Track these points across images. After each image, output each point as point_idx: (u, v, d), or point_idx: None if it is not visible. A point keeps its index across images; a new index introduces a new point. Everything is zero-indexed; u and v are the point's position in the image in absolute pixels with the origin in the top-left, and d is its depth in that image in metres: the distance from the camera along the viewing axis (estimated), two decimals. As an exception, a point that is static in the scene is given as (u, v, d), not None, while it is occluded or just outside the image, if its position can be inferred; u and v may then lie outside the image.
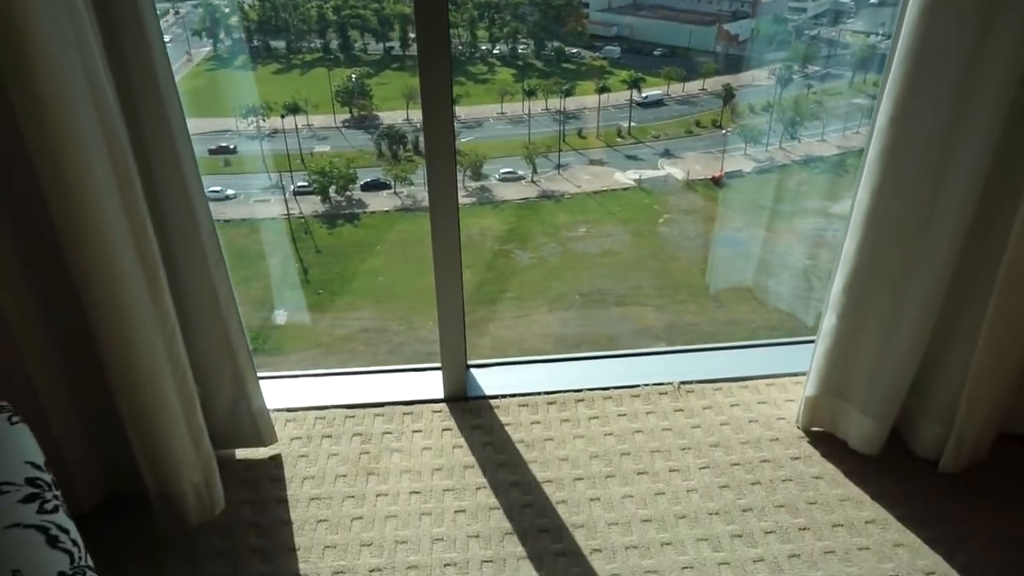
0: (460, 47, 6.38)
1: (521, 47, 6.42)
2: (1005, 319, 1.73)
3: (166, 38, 1.48)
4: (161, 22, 1.46)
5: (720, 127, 6.26)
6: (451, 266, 2.06)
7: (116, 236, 1.43)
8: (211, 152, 5.73)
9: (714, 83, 6.23)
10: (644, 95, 6.28)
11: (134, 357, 1.55)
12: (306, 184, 6.31)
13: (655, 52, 6.20)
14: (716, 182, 6.34)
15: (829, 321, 1.95)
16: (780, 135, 6.02)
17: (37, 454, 1.18)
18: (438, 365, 2.27)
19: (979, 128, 1.54)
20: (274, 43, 6.43)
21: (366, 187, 6.35)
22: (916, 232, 1.71)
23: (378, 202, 6.39)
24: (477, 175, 6.42)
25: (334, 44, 6.45)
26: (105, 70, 1.36)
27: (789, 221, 6.17)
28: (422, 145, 1.95)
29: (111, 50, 1.40)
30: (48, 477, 1.16)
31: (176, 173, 1.56)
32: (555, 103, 6.36)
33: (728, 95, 6.13)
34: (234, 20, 6.41)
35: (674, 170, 6.47)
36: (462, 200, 6.42)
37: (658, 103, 6.31)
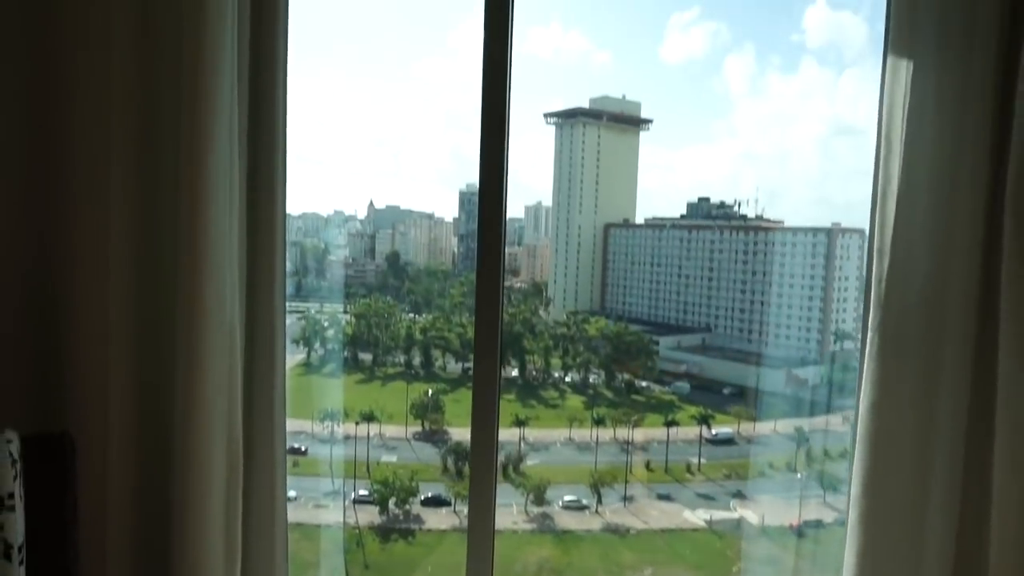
0: (534, 372, 7.20)
1: (592, 377, 7.19)
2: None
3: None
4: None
5: (795, 471, 6.51)
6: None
7: (213, 515, 1.93)
8: (283, 452, 6.38)
9: (786, 425, 6.63)
10: (714, 432, 6.72)
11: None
12: (367, 494, 6.80)
13: (724, 391, 6.78)
14: (795, 530, 6.40)
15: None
16: (860, 485, 6.18)
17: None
18: None
19: (942, 501, 1.92)
20: (362, 355, 7.46)
21: (426, 502, 6.78)
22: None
23: (436, 519, 6.74)
24: (540, 500, 6.74)
25: (416, 360, 7.40)
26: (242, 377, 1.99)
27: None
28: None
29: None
30: None
31: (269, 476, 2.10)
32: (623, 433, 6.87)
33: (801, 438, 6.48)
34: (330, 333, 7.53)
35: (747, 513, 6.61)
36: (523, 526, 6.70)
37: (728, 441, 6.72)
